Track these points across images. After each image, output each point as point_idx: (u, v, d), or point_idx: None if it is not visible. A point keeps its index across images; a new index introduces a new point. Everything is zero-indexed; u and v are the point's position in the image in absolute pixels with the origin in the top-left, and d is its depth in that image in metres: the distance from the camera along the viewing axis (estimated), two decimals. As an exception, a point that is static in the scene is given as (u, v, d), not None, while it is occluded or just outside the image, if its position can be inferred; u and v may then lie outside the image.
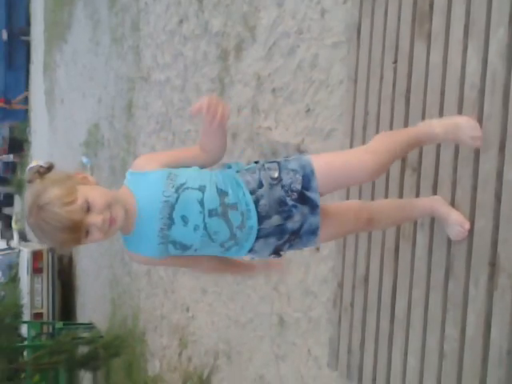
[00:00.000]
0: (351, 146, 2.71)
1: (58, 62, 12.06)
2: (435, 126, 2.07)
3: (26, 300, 9.64)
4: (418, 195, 2.32)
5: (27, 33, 15.73)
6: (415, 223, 2.35)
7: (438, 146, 2.21)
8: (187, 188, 1.77)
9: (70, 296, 10.54)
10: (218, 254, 1.89)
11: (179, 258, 1.88)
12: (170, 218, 1.76)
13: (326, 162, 1.90)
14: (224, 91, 4.23)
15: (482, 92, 2.06)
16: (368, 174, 1.91)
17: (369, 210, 2.12)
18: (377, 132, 2.56)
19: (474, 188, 2.08)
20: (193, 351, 4.89)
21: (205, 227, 1.78)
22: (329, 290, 3.02)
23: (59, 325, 8.89)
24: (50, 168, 1.73)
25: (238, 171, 1.88)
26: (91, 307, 9.13)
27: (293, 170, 1.86)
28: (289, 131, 3.43)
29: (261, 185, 1.84)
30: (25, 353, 7.89)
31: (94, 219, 1.67)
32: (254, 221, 1.82)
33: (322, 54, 3.15)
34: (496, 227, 1.99)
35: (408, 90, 2.40)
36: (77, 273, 10.31)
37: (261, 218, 1.82)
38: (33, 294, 10.23)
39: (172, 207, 1.75)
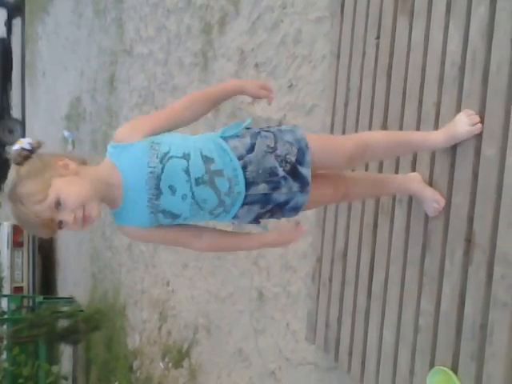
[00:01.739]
0: (333, 122, 2.73)
1: (39, 34, 11.91)
2: (437, 134, 2.08)
3: (5, 274, 9.61)
4: (397, 172, 2.34)
5: (6, 3, 15.46)
6: (394, 199, 2.37)
7: (418, 123, 2.23)
8: (171, 157, 1.75)
9: (51, 270, 10.50)
10: (207, 219, 1.87)
11: (175, 228, 1.86)
12: (158, 189, 1.75)
13: (317, 139, 1.97)
14: (207, 65, 4.21)
15: (462, 69, 2.07)
16: (345, 159, 1.95)
17: (346, 184, 2.14)
18: (358, 108, 2.58)
19: (452, 165, 2.10)
20: (172, 325, 4.92)
21: (193, 196, 1.77)
22: (308, 265, 3.05)
23: (39, 299, 8.87)
24: (33, 150, 1.71)
25: (222, 137, 1.86)
26: (72, 281, 9.12)
27: (289, 142, 1.87)
28: (271, 106, 3.42)
29: (251, 150, 1.83)
30: (4, 326, 7.89)
31: (66, 217, 1.66)
32: (241, 186, 1.81)
33: (306, 28, 3.14)
34: (472, 204, 2.02)
35: (390, 66, 2.40)
36: (58, 247, 10.27)
37: (248, 184, 1.82)
38: (13, 268, 10.17)
39: (158, 178, 1.74)
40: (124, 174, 1.75)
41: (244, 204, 1.84)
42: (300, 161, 1.86)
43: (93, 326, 7.12)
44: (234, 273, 3.88)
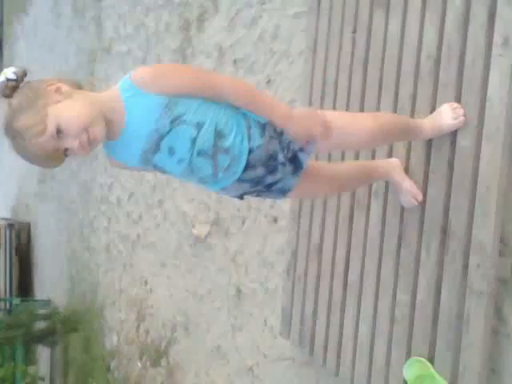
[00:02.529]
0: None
1: (17, 35, 11.82)
2: (425, 123, 2.06)
3: (-19, 276, 9.51)
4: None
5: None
6: (369, 191, 2.38)
7: (395, 113, 2.24)
8: (183, 122, 1.67)
9: (28, 272, 10.40)
10: (194, 182, 1.86)
11: None
12: (157, 146, 1.70)
13: (339, 118, 1.91)
14: (185, 62, 4.19)
15: (437, 62, 2.08)
16: (368, 137, 1.91)
17: (339, 175, 2.14)
18: (334, 101, 2.58)
19: (428, 156, 2.11)
20: (150, 324, 4.89)
21: (189, 163, 1.74)
22: (285, 260, 3.04)
23: (16, 301, 8.79)
24: (19, 79, 1.63)
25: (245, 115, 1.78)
26: (49, 283, 9.03)
27: None
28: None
29: (262, 134, 1.78)
30: (-19, 328, 7.80)
31: (70, 143, 1.61)
32: (240, 168, 1.78)
33: (284, 24, 3.14)
34: (448, 194, 2.03)
35: (366, 59, 2.41)
36: (35, 248, 10.18)
37: (246, 168, 1.79)
38: (-11, 270, 10.08)
39: (162, 137, 1.68)
40: (130, 115, 1.67)
41: (236, 180, 1.82)
42: (302, 148, 1.84)
43: (70, 328, 7.07)
44: (211, 270, 3.87)
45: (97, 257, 6.47)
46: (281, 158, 1.82)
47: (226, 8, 3.70)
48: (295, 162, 1.86)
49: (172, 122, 1.67)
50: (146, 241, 5.03)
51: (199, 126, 1.69)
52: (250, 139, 1.76)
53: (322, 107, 2.63)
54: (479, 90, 1.93)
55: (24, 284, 10.27)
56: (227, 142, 1.73)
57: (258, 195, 1.97)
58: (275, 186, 1.89)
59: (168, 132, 1.68)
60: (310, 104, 2.71)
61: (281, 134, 1.80)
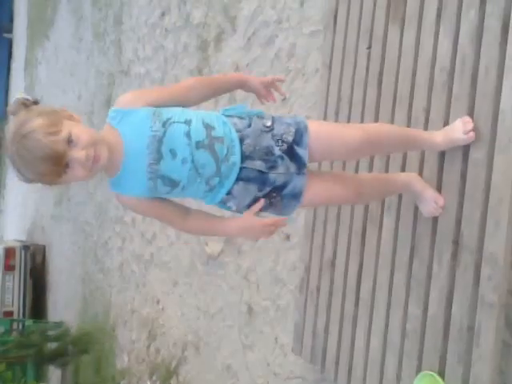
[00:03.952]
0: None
1: (39, 59, 12.01)
2: (437, 134, 2.06)
3: (-4, 298, 9.53)
4: (386, 174, 2.35)
5: (10, 30, 15.64)
6: (382, 206, 2.37)
7: (408, 126, 2.24)
8: (174, 122, 1.78)
9: (42, 294, 10.42)
10: (202, 193, 1.87)
11: (165, 204, 1.87)
12: (159, 153, 1.76)
13: (321, 124, 2.04)
14: (202, 82, 4.24)
15: (451, 74, 2.09)
16: (355, 146, 1.93)
17: (357, 182, 2.10)
18: (349, 116, 2.59)
19: (441, 167, 2.11)
20: (161, 343, 4.87)
21: (192, 160, 1.78)
22: (297, 277, 3.03)
23: (29, 322, 8.79)
24: (35, 102, 1.74)
25: (224, 114, 1.89)
26: (63, 305, 9.04)
27: (287, 123, 1.89)
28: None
29: (248, 126, 1.86)
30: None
31: (78, 153, 1.66)
32: (237, 157, 1.82)
33: (300, 42, 3.18)
34: (460, 206, 2.02)
35: (380, 74, 2.42)
36: (49, 270, 10.21)
37: (244, 157, 1.83)
38: (4, 292, 10.08)
39: (160, 141, 1.76)
40: (125, 137, 1.77)
41: (239, 179, 1.84)
42: (297, 141, 1.87)
43: (81, 349, 7.05)
44: (223, 288, 3.86)
45: (110, 277, 6.48)
46: (277, 151, 1.85)
47: (243, 28, 3.75)
48: (295, 158, 1.87)
49: (164, 124, 1.77)
50: (159, 260, 5.03)
51: (188, 122, 1.80)
52: (236, 130, 1.84)
53: (336, 122, 2.64)
54: (492, 102, 1.93)
55: (37, 305, 10.29)
56: (218, 132, 1.81)
57: (271, 205, 1.93)
58: (285, 189, 1.89)
59: (164, 134, 1.76)
60: (325, 119, 2.72)
61: (271, 128, 1.85)
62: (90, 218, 7.36)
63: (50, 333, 7.77)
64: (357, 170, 2.48)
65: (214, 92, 1.99)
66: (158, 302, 5.01)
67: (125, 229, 5.98)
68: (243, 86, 2.02)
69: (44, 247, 10.50)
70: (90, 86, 7.74)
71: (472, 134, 1.97)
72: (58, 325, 8.45)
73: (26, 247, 10.40)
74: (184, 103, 1.88)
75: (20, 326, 9.21)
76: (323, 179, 2.00)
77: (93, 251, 7.20)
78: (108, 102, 6.73)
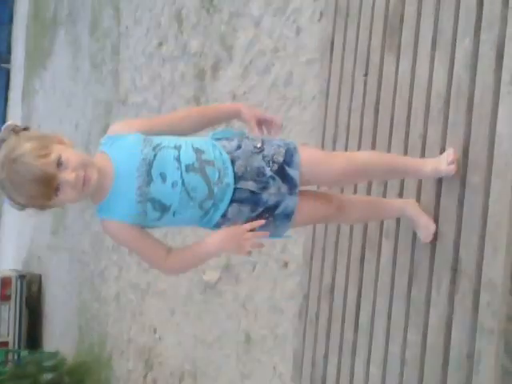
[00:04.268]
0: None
1: (36, 89, 12.06)
2: (428, 164, 2.08)
3: (-9, 329, 9.45)
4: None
5: (8, 60, 15.72)
6: (381, 232, 2.37)
7: (405, 153, 2.25)
8: (164, 147, 1.80)
9: (38, 323, 10.32)
10: (196, 219, 1.86)
11: (150, 238, 1.85)
12: (149, 175, 1.77)
13: (309, 149, 2.08)
14: (199, 111, 4.26)
15: (447, 100, 2.11)
16: (340, 172, 1.95)
17: (341, 199, 2.13)
18: (346, 143, 2.61)
19: (438, 194, 2.11)
20: (158, 373, 4.82)
21: (183, 183, 1.78)
22: (296, 305, 3.02)
23: (24, 353, 8.71)
24: (26, 128, 1.76)
25: (213, 138, 1.91)
26: (59, 334, 8.96)
27: (277, 144, 1.91)
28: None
29: (238, 147, 1.87)
30: (-12, 379, 7.71)
31: (68, 175, 1.68)
32: (230, 178, 1.83)
33: (296, 71, 3.20)
34: (458, 232, 2.02)
35: (377, 101, 2.44)
36: (45, 300, 10.13)
37: (237, 178, 1.83)
38: (-1, 323, 10.03)
39: (150, 164, 1.77)
40: (115, 160, 1.78)
41: (233, 201, 1.84)
42: (288, 162, 1.88)
43: (77, 380, 6.97)
44: (221, 316, 3.84)
45: (106, 307, 6.44)
46: (268, 171, 1.86)
47: (240, 57, 3.78)
48: (287, 179, 1.88)
49: (154, 148, 1.79)
50: (156, 289, 5.00)
51: (178, 147, 1.82)
52: (227, 152, 1.85)
53: (334, 149, 2.65)
54: (488, 127, 1.95)
55: (33, 335, 10.20)
56: (209, 156, 1.83)
57: (264, 226, 1.89)
58: (277, 209, 1.89)
59: (154, 158, 1.78)
60: (323, 146, 2.73)
61: (262, 149, 1.87)
62: (87, 247, 7.33)
63: (46, 363, 7.69)
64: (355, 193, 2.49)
65: (209, 122, 2.01)
66: (154, 330, 4.97)
67: (121, 258, 5.96)
68: (238, 116, 2.03)
69: (40, 276, 10.43)
70: (87, 116, 7.77)
71: (452, 166, 2.01)
72: (54, 355, 8.36)
73: (21, 276, 10.32)
74: (178, 132, 1.91)
75: (15, 357, 9.14)
76: (309, 197, 2.00)
77: (89, 280, 7.16)
78: (105, 132, 6.67)
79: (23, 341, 10.12)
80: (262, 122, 2.02)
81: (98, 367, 6.49)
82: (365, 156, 2.13)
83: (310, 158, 1.93)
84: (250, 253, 1.84)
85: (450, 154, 2.03)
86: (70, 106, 8.91)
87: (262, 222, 1.85)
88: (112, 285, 6.27)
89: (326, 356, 2.63)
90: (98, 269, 6.80)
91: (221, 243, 1.82)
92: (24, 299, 10.25)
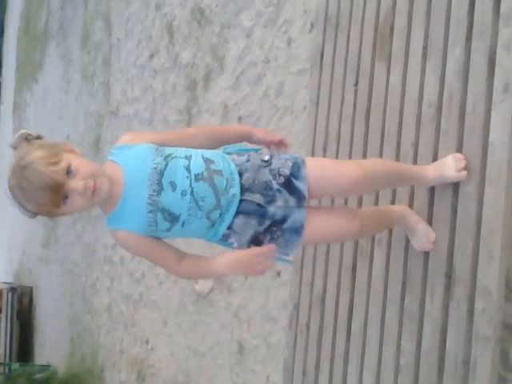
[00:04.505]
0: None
1: (27, 102, 12.05)
2: (428, 170, 2.07)
3: (-19, 342, 9.39)
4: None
5: (-2, 73, 15.72)
6: (373, 240, 2.38)
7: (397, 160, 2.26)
8: (175, 157, 1.83)
9: (29, 336, 10.26)
10: (204, 231, 1.86)
11: (163, 244, 1.87)
12: (160, 184, 1.79)
13: (318, 161, 2.10)
14: (191, 121, 4.27)
15: (439, 109, 2.12)
16: (352, 182, 1.91)
17: (360, 214, 2.07)
18: (337, 152, 2.61)
19: (431, 201, 2.12)
20: (151, 384, 4.80)
21: (192, 192, 1.80)
22: (289, 314, 3.01)
23: (15, 366, 8.65)
24: (39, 137, 1.77)
25: (225, 152, 1.94)
26: (50, 347, 8.91)
27: (284, 158, 1.92)
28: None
29: (247, 161, 1.89)
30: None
31: (77, 184, 1.69)
32: (237, 189, 1.84)
33: (288, 81, 3.21)
34: (452, 239, 2.03)
35: (368, 110, 2.45)
36: (36, 312, 10.08)
37: (244, 190, 1.84)
38: (-10, 336, 9.96)
39: (161, 173, 1.79)
40: (126, 169, 1.81)
41: (239, 213, 1.84)
42: (295, 174, 1.88)
43: (68, 393, 6.93)
44: (214, 326, 3.83)
45: (98, 318, 6.41)
46: (275, 185, 1.87)
47: (231, 67, 3.79)
48: (294, 191, 1.88)
49: (165, 158, 1.81)
50: (148, 300, 4.99)
51: (188, 157, 1.84)
52: (235, 164, 1.87)
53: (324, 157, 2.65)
54: (481, 135, 1.95)
55: (24, 347, 10.14)
56: (217, 166, 1.85)
57: (272, 240, 1.89)
58: (285, 223, 1.88)
59: (165, 167, 1.80)
60: (313, 155, 2.74)
61: (269, 163, 1.89)
62: (78, 258, 7.30)
63: (37, 376, 7.65)
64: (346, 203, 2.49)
65: (219, 143, 2.01)
66: (147, 341, 4.95)
67: (113, 269, 5.94)
68: (248, 138, 2.04)
69: (31, 289, 10.39)
70: (78, 128, 7.76)
71: (465, 172, 1.98)
72: (45, 367, 8.32)
73: (13, 289, 10.28)
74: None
75: (6, 370, 9.07)
76: (325, 213, 2.01)
77: (81, 292, 7.13)
78: (97, 143, 6.74)
79: (14, 353, 10.07)
80: (273, 143, 2.05)
81: (90, 379, 6.45)
82: (372, 163, 2.10)
83: (318, 167, 1.93)
84: (263, 272, 1.86)
85: (460, 158, 1.99)
86: (62, 117, 8.91)
87: (272, 246, 1.85)
88: (104, 296, 6.24)
89: (317, 366, 2.62)
90: (90, 280, 6.78)
91: (228, 268, 1.85)
92: (15, 312, 10.20)
